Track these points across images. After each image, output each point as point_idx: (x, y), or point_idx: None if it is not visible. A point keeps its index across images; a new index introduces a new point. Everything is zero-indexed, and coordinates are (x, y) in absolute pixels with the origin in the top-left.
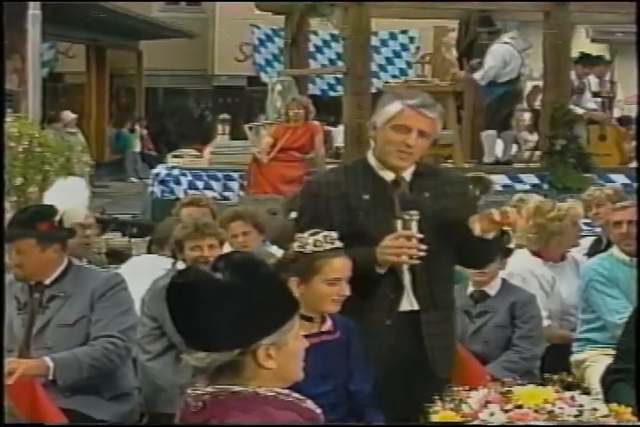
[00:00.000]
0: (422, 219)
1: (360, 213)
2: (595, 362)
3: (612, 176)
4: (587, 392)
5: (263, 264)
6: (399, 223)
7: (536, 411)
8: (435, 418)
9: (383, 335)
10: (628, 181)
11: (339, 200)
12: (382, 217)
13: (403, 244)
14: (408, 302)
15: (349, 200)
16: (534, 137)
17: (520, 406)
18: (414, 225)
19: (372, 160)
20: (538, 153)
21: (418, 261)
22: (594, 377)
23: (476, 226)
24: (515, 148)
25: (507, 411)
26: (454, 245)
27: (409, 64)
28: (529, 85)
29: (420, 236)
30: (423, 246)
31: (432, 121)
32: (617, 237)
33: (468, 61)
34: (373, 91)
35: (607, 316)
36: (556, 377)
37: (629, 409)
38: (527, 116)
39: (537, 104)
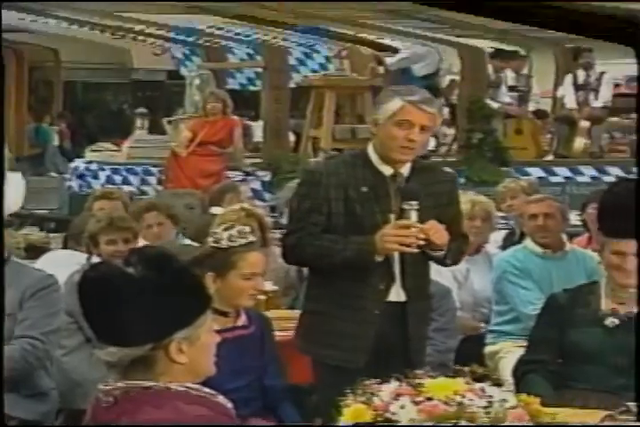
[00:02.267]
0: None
1: (357, 204)
2: (508, 353)
3: (529, 169)
4: (498, 383)
5: (175, 258)
6: (400, 213)
7: (446, 403)
8: (347, 411)
9: (371, 323)
10: (543, 175)
11: (337, 190)
12: (378, 210)
13: (403, 232)
14: (396, 294)
15: (348, 191)
16: (452, 131)
17: (430, 399)
18: (414, 215)
19: (372, 154)
20: (455, 147)
21: (417, 250)
22: (507, 368)
23: None
24: (433, 142)
25: (417, 403)
26: None
27: (328, 59)
28: (447, 80)
29: (420, 225)
30: (422, 235)
31: (432, 115)
32: (532, 229)
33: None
34: (292, 85)
35: (520, 307)
36: (466, 369)
37: (537, 400)
38: (446, 110)
39: (454, 98)
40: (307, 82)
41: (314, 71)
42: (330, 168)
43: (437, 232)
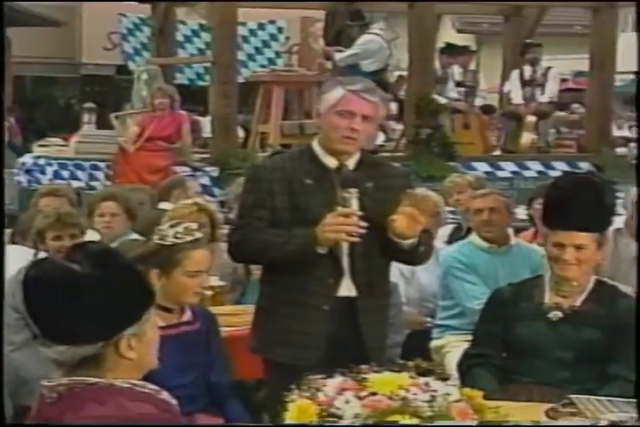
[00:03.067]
0: (364, 207)
1: (302, 197)
2: (454, 348)
3: (476, 164)
4: (442, 378)
5: (120, 254)
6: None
7: (390, 397)
8: (292, 407)
9: (321, 320)
10: (490, 169)
11: (281, 184)
12: (323, 202)
13: (343, 221)
14: (347, 288)
15: (292, 184)
16: (400, 126)
17: (375, 393)
18: (354, 203)
19: (316, 147)
20: (403, 142)
21: (358, 239)
22: (453, 363)
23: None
24: (382, 137)
25: (361, 398)
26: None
27: (278, 54)
28: (395, 75)
29: (360, 213)
30: (363, 224)
31: (374, 105)
32: (477, 224)
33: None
34: (241, 80)
35: (466, 302)
36: (411, 363)
37: (481, 393)
38: (394, 105)
39: (401, 94)
40: (255, 77)
41: (263, 66)
42: (274, 163)
43: (409, 223)
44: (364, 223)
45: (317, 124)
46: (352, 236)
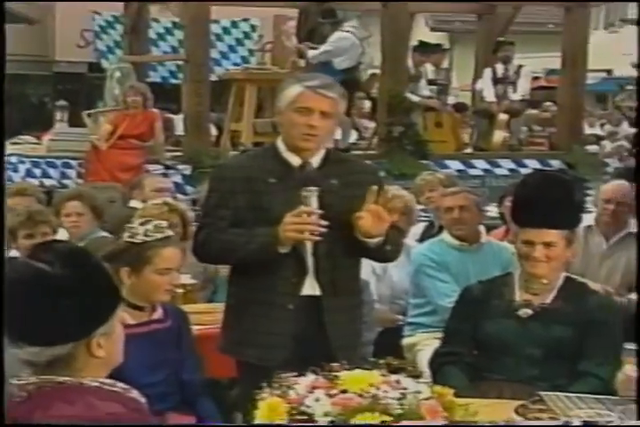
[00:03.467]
0: (329, 205)
1: (265, 196)
2: (426, 346)
3: (448, 162)
4: (413, 375)
5: (89, 254)
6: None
7: (360, 395)
8: (262, 405)
9: (285, 320)
10: (462, 167)
11: (244, 183)
12: (286, 201)
13: (303, 220)
14: (310, 287)
15: (255, 183)
16: (373, 124)
17: (345, 391)
18: (314, 201)
19: (280, 145)
20: (376, 140)
21: (318, 238)
22: (425, 360)
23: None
24: (355, 135)
25: (332, 396)
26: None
27: (251, 52)
28: (368, 73)
29: (320, 211)
30: (324, 222)
31: (333, 101)
32: (448, 222)
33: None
34: (214, 79)
35: (437, 300)
36: (382, 361)
37: (451, 391)
38: (367, 103)
39: (374, 92)
40: (228, 75)
41: (236, 65)
42: (237, 162)
43: (374, 222)
44: (324, 222)
45: (278, 121)
46: (313, 234)
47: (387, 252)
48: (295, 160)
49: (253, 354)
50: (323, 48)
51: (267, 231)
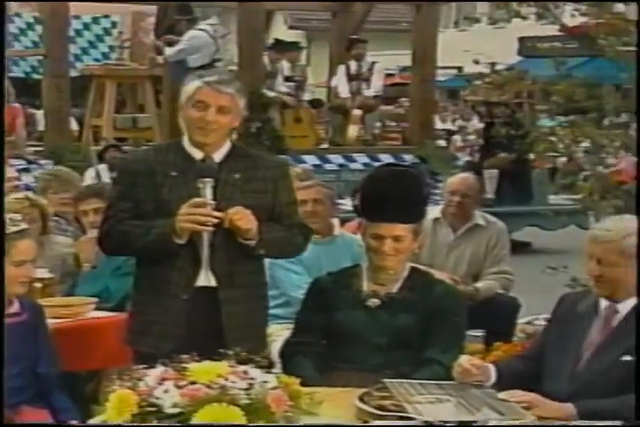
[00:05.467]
0: (231, 199)
1: (165, 188)
2: (279, 336)
3: (305, 157)
4: (261, 366)
5: None
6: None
7: (208, 386)
8: (112, 397)
9: (180, 310)
10: (319, 162)
11: (146, 176)
12: (187, 193)
13: (196, 211)
14: (205, 278)
15: (157, 176)
16: None
17: (194, 382)
18: (208, 192)
19: (184, 139)
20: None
21: (211, 229)
22: (277, 351)
23: None
24: None
25: (181, 387)
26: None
27: (112, 48)
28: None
29: (213, 202)
30: (218, 213)
31: (230, 96)
32: (301, 215)
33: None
34: (76, 74)
35: (290, 291)
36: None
37: (297, 380)
38: None
39: None
40: (88, 71)
41: (97, 60)
42: (140, 155)
43: (242, 217)
44: (218, 213)
45: (180, 116)
46: (207, 225)
47: (269, 249)
48: (197, 154)
49: (149, 343)
50: (177, 47)
51: (164, 223)
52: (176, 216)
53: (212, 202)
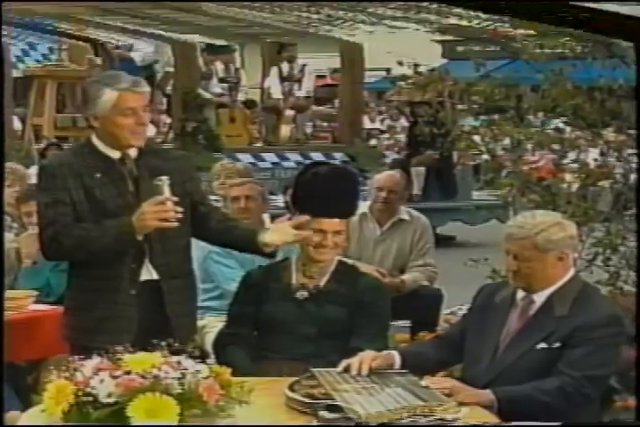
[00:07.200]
0: (152, 193)
1: (95, 190)
2: (213, 328)
3: (240, 155)
4: (194, 356)
5: None
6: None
7: (143, 376)
8: (50, 387)
9: (130, 305)
10: (253, 160)
11: (74, 179)
12: (116, 192)
13: (160, 208)
14: (147, 272)
15: (84, 179)
16: (169, 120)
17: (129, 373)
18: (167, 189)
19: (96, 142)
20: (171, 135)
21: (177, 224)
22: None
23: None
24: (153, 130)
25: (116, 377)
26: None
27: (51, 50)
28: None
29: (175, 198)
30: (180, 209)
31: (146, 94)
32: (235, 210)
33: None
34: (18, 75)
35: (224, 284)
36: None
37: (228, 370)
38: (163, 100)
39: (169, 89)
40: (29, 72)
41: (38, 61)
42: (61, 160)
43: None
44: (180, 208)
45: (96, 125)
46: (170, 221)
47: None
48: (115, 154)
49: (104, 340)
50: (145, 50)
51: (119, 222)
52: (115, 215)
53: (174, 198)
